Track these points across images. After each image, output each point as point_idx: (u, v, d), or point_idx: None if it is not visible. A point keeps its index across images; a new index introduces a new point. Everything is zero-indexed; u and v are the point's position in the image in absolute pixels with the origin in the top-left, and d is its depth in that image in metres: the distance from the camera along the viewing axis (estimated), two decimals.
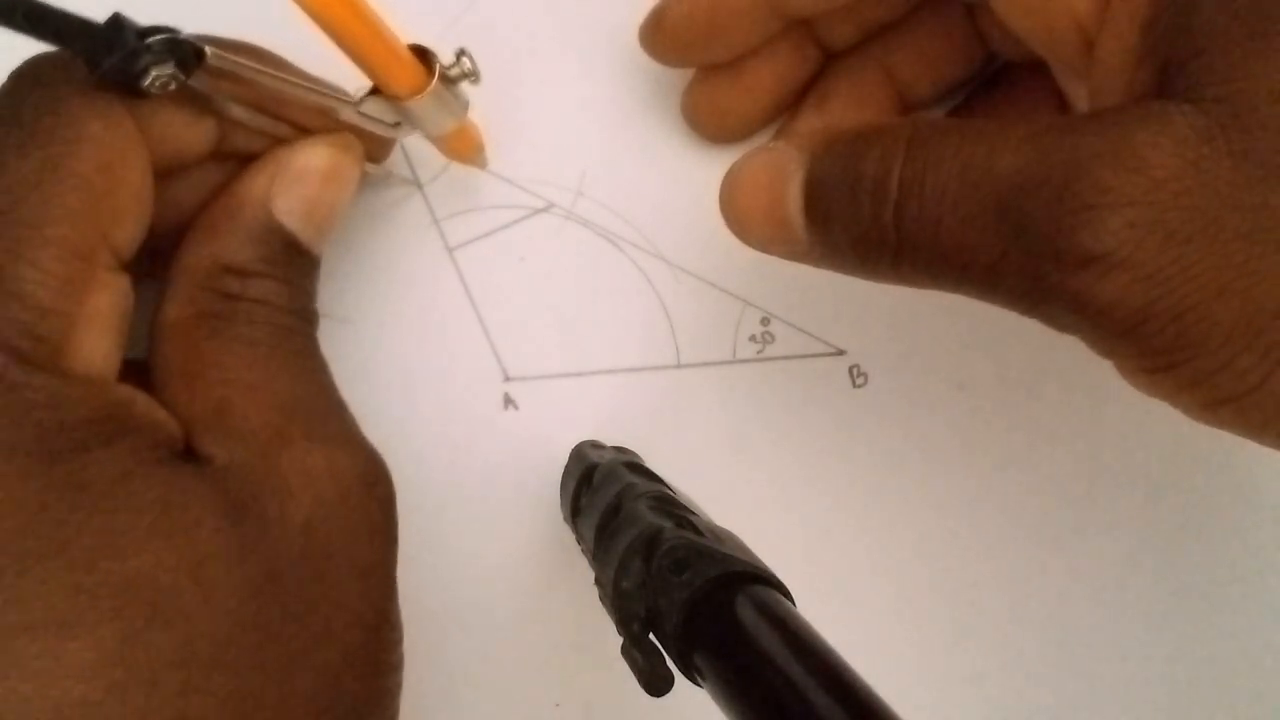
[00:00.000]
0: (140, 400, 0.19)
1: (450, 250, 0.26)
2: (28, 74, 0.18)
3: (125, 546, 0.16)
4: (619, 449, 0.24)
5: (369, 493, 0.20)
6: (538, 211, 0.26)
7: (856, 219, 0.19)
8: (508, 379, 0.25)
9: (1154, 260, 0.16)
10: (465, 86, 0.22)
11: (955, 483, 0.26)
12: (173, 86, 0.18)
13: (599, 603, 0.20)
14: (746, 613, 0.16)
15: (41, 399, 0.17)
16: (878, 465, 0.26)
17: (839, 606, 0.24)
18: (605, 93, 0.26)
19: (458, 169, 0.26)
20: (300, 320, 0.21)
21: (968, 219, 0.17)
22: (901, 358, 0.26)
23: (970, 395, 0.26)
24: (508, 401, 0.25)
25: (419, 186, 0.26)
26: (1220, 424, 0.18)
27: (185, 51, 0.18)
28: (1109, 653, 0.26)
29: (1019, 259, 0.17)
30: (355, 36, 0.19)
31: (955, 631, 0.26)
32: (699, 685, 0.17)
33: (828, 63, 0.25)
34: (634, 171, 0.26)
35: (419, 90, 0.21)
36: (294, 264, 0.21)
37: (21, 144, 0.17)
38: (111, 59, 0.17)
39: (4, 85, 0.18)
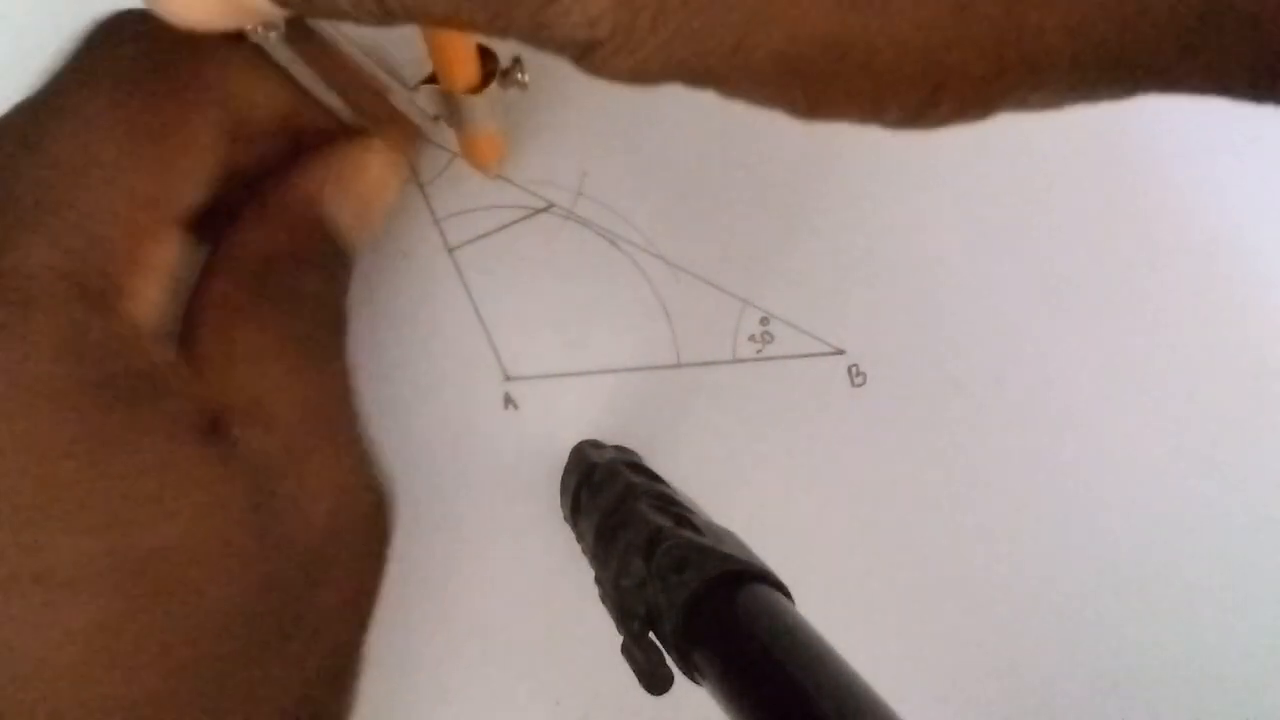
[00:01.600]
0: (181, 364, 0.18)
1: (450, 250, 0.26)
2: (117, 28, 0.18)
3: (156, 519, 0.16)
4: (619, 449, 0.24)
5: (376, 521, 0.20)
6: (538, 211, 0.26)
7: None
8: (508, 379, 0.25)
9: None
10: (511, 94, 0.22)
11: (954, 482, 0.26)
12: (273, 35, 0.18)
13: (599, 602, 0.20)
14: (746, 612, 0.16)
15: (98, 339, 0.16)
16: (877, 465, 0.26)
17: (839, 606, 0.24)
18: (605, 92, 0.26)
19: (458, 169, 0.26)
20: (337, 318, 0.21)
21: None
22: (901, 358, 0.26)
23: (970, 395, 0.26)
24: (508, 401, 0.25)
25: (419, 186, 0.26)
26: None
27: None
28: (1111, 651, 0.26)
29: None
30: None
31: (955, 631, 0.26)
32: (699, 684, 0.17)
33: None
34: (634, 171, 0.26)
35: (478, 88, 0.21)
36: (336, 262, 0.21)
37: (115, 97, 0.17)
38: None
39: (92, 35, 0.18)
